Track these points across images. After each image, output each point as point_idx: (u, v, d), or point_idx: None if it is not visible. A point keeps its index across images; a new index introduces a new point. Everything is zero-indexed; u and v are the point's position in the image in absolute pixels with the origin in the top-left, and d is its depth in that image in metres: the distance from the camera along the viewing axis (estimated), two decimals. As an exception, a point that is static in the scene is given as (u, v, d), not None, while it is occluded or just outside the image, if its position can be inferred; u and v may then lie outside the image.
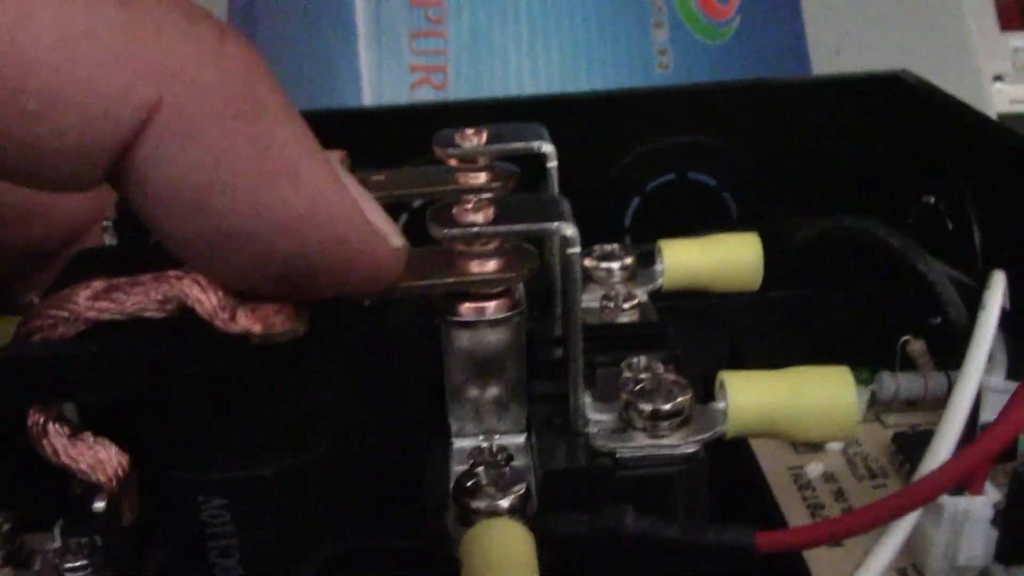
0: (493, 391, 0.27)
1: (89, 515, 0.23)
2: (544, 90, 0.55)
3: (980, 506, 0.27)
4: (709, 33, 0.57)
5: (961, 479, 0.23)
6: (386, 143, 0.39)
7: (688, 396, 0.26)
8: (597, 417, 0.26)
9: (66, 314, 0.22)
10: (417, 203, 0.40)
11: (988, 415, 0.29)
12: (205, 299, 0.22)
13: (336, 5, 0.55)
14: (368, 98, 0.55)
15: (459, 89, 0.55)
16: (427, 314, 0.28)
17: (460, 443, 0.28)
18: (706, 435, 0.25)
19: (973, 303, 0.28)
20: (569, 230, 0.25)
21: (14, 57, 0.19)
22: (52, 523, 0.26)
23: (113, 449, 0.23)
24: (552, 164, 0.31)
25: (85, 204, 0.34)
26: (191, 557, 0.26)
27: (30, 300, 0.29)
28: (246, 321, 0.22)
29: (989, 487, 0.27)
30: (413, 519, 0.26)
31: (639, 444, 0.25)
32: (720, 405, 0.26)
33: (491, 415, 0.28)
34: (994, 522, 0.27)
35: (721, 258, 0.34)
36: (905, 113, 0.44)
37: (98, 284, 0.23)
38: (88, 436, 0.23)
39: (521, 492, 0.25)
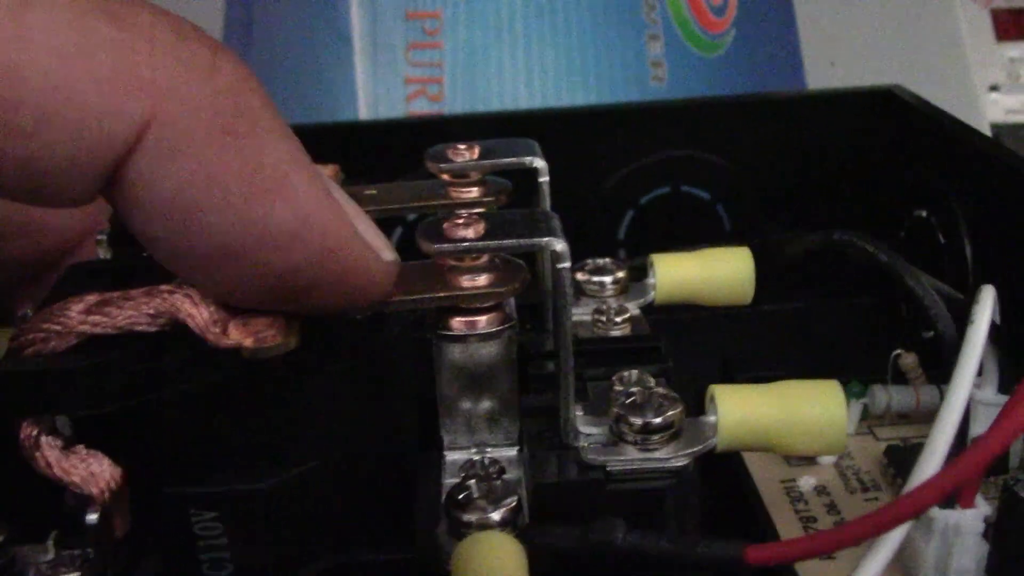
0: (485, 405, 0.27)
1: (82, 528, 0.24)
2: (539, 103, 0.55)
3: (971, 519, 0.27)
4: (704, 46, 0.57)
5: (951, 491, 0.23)
6: (382, 156, 0.39)
7: (679, 410, 0.26)
8: (588, 431, 0.26)
9: (59, 328, 0.22)
10: (412, 217, 0.40)
11: (979, 429, 0.29)
12: (197, 313, 0.22)
13: (332, 17, 0.55)
14: (364, 110, 0.55)
15: (455, 101, 0.55)
16: (419, 328, 0.28)
17: (452, 456, 0.28)
18: (696, 449, 0.26)
19: (963, 317, 0.28)
20: (559, 245, 0.25)
21: (8, 75, 0.19)
22: (45, 535, 0.26)
23: (106, 462, 0.23)
24: (544, 179, 0.31)
25: (79, 218, 0.34)
26: (183, 570, 0.26)
27: (24, 313, 0.29)
28: (238, 335, 0.23)
29: (980, 500, 0.27)
30: (405, 532, 0.27)
31: (630, 458, 0.25)
32: (711, 419, 0.26)
33: (483, 428, 0.28)
34: (985, 535, 0.27)
35: (713, 272, 0.34)
36: (898, 128, 0.45)
37: (91, 298, 0.23)
38: (81, 449, 0.23)
39: (512, 505, 0.25)
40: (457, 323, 0.26)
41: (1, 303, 0.33)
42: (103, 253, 0.30)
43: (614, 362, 0.29)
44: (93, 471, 0.23)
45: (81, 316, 0.22)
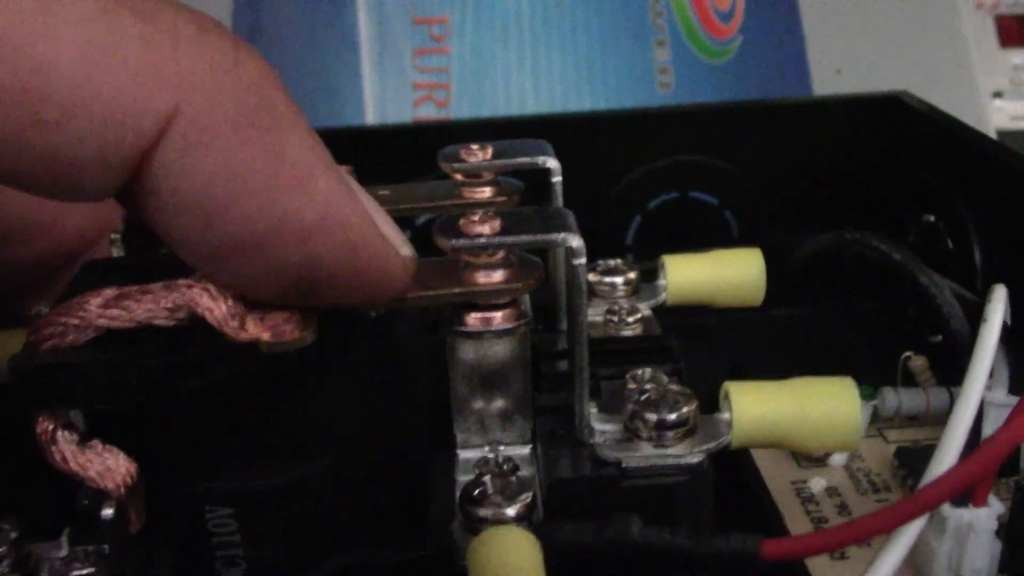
0: (498, 402, 0.28)
1: (96, 523, 0.24)
2: (546, 108, 0.56)
3: (984, 518, 0.27)
4: (711, 52, 0.57)
5: (965, 486, 0.23)
6: (389, 161, 0.39)
7: (693, 406, 0.26)
8: (602, 427, 0.26)
9: (77, 321, 0.22)
10: (420, 220, 0.40)
11: (991, 430, 0.29)
12: (215, 307, 0.22)
13: (339, 22, 0.56)
14: (371, 115, 0.55)
15: (461, 107, 0.55)
16: (433, 327, 0.28)
17: (465, 454, 0.28)
18: (711, 445, 0.26)
19: (975, 318, 0.28)
20: (575, 241, 0.25)
21: (34, 69, 0.19)
22: (59, 531, 0.26)
23: (121, 457, 0.24)
24: (557, 179, 0.31)
25: (91, 218, 0.34)
26: (197, 566, 0.26)
27: (37, 311, 0.29)
28: (255, 329, 0.23)
29: (992, 500, 0.27)
30: (419, 529, 0.27)
31: (645, 454, 0.25)
32: (725, 415, 0.26)
33: (496, 426, 0.28)
34: (998, 534, 0.27)
35: (724, 273, 0.34)
36: (905, 133, 0.45)
37: (109, 292, 0.23)
38: (97, 444, 0.23)
39: (527, 501, 0.25)
40: (473, 319, 0.26)
41: (14, 303, 0.33)
42: (117, 253, 0.30)
43: (627, 361, 0.29)
44: (109, 466, 0.23)
45: (99, 310, 0.22)
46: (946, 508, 0.27)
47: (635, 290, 0.34)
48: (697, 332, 0.38)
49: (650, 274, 0.35)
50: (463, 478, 0.27)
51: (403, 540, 0.27)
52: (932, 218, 0.42)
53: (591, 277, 0.34)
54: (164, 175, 0.20)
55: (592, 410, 0.27)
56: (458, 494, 0.26)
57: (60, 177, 0.20)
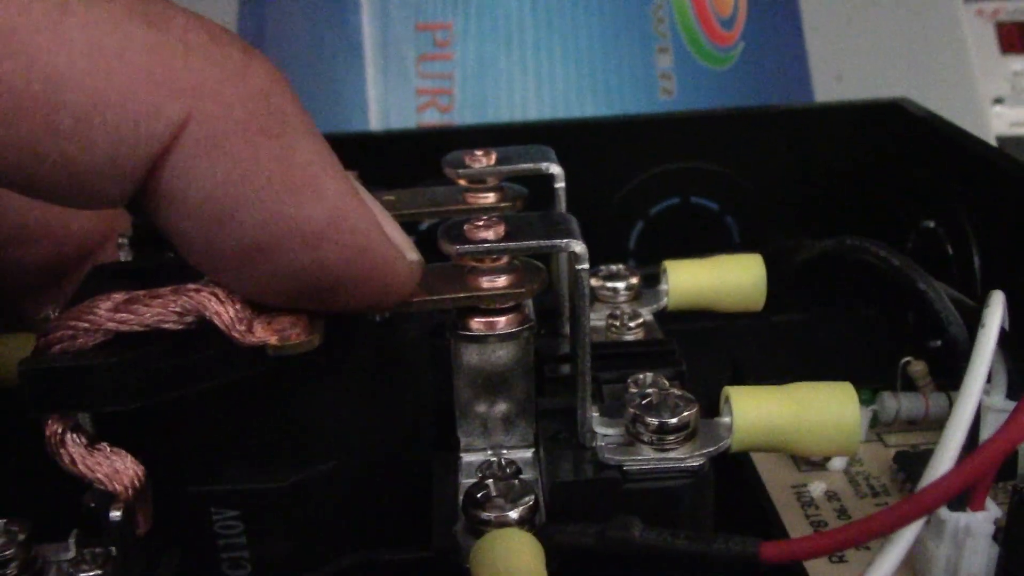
0: (501, 406, 0.28)
1: (104, 525, 0.24)
2: (549, 114, 0.56)
3: (981, 522, 0.27)
4: (713, 59, 0.57)
5: (962, 489, 0.24)
6: (393, 166, 0.39)
7: (694, 410, 0.26)
8: (604, 431, 0.27)
9: (87, 325, 0.23)
10: (423, 226, 0.41)
11: (988, 434, 0.29)
12: (223, 311, 0.23)
13: (343, 28, 0.56)
14: (375, 121, 0.55)
15: (464, 112, 0.55)
16: (437, 330, 0.28)
17: (469, 457, 0.28)
18: (711, 449, 0.26)
19: (973, 323, 0.28)
20: (578, 247, 0.25)
21: (48, 77, 0.19)
22: (66, 533, 0.26)
23: (129, 459, 0.24)
24: (560, 185, 0.31)
25: (98, 222, 0.34)
26: (203, 568, 0.26)
27: (45, 315, 0.29)
28: (263, 333, 0.23)
29: (990, 503, 0.27)
30: (422, 531, 0.27)
31: (646, 457, 0.26)
32: (725, 420, 0.26)
33: (499, 430, 0.28)
34: (995, 538, 0.28)
35: (725, 278, 0.34)
36: (905, 139, 0.45)
37: (118, 296, 0.23)
38: (105, 447, 0.24)
39: (530, 503, 0.25)
40: (476, 324, 0.26)
41: (21, 305, 0.34)
42: (124, 256, 0.31)
43: (628, 365, 0.30)
44: (117, 468, 0.24)
45: (109, 313, 0.23)
46: (944, 512, 0.27)
47: (637, 295, 0.35)
48: (698, 337, 0.38)
49: (652, 279, 0.35)
50: (466, 481, 0.27)
51: (406, 542, 0.27)
52: (932, 224, 0.42)
53: (593, 282, 0.34)
54: (175, 181, 0.21)
55: (594, 414, 0.27)
56: (461, 496, 0.26)
57: (74, 185, 0.20)
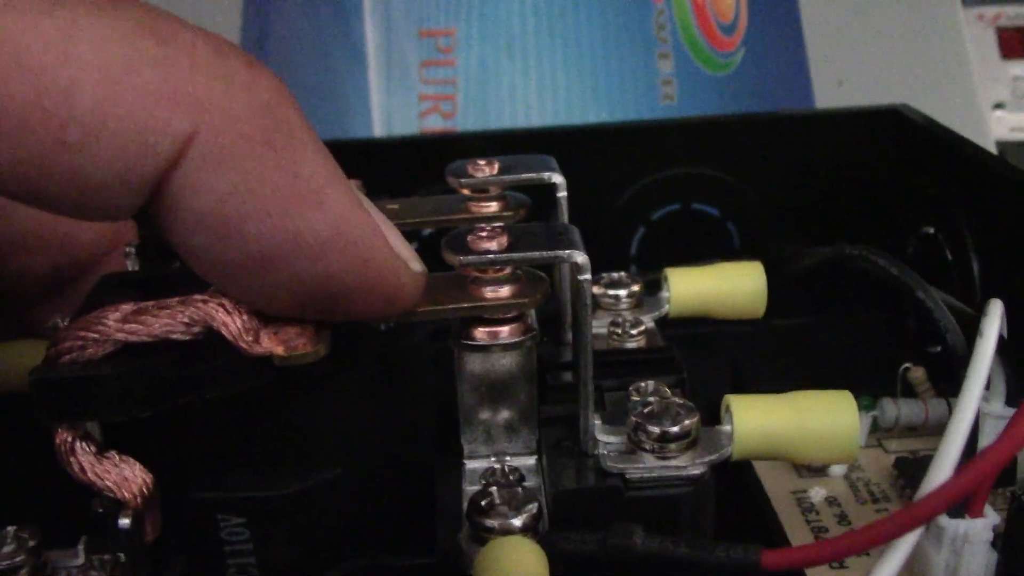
0: (504, 414, 0.28)
1: (112, 532, 0.24)
2: (551, 120, 0.56)
3: (980, 528, 0.27)
4: (714, 64, 0.58)
5: (961, 496, 0.24)
6: (395, 173, 0.40)
7: (695, 418, 0.26)
8: (606, 439, 0.27)
9: (96, 335, 0.23)
10: (426, 232, 0.41)
11: (987, 441, 0.30)
12: (230, 322, 0.23)
13: (346, 35, 0.56)
14: (378, 127, 0.55)
15: (467, 118, 0.56)
16: (440, 340, 0.28)
17: (472, 465, 0.29)
18: (713, 457, 0.26)
19: (972, 331, 0.28)
20: (580, 257, 0.26)
21: (57, 92, 0.19)
22: (75, 540, 0.27)
23: (138, 467, 0.24)
24: (562, 194, 0.32)
25: (105, 231, 0.34)
26: (210, 574, 0.26)
27: (53, 323, 0.29)
28: (269, 343, 0.23)
29: (988, 510, 0.28)
30: (426, 538, 0.27)
31: (648, 465, 0.26)
32: (726, 428, 0.27)
33: (502, 437, 0.28)
34: (994, 544, 0.28)
35: (726, 286, 0.34)
36: (905, 146, 0.45)
37: (127, 307, 0.23)
38: (114, 455, 0.24)
39: (534, 511, 0.25)
40: (480, 333, 0.27)
41: (30, 313, 0.34)
42: (131, 265, 0.31)
43: (630, 373, 0.30)
44: (126, 476, 0.24)
45: (118, 324, 0.23)
46: (943, 519, 0.27)
47: (638, 302, 0.35)
48: (699, 343, 0.38)
49: (653, 286, 0.35)
50: (470, 488, 0.27)
51: (410, 548, 0.27)
52: (931, 230, 0.42)
53: (595, 289, 0.35)
54: (182, 193, 0.21)
55: (596, 422, 0.27)
56: (465, 504, 0.26)
57: (83, 197, 0.21)
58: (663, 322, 0.35)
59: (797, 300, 0.40)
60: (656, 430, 0.26)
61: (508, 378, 0.28)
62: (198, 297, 0.23)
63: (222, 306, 0.23)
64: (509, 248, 0.26)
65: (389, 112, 0.56)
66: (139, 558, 0.25)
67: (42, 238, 0.34)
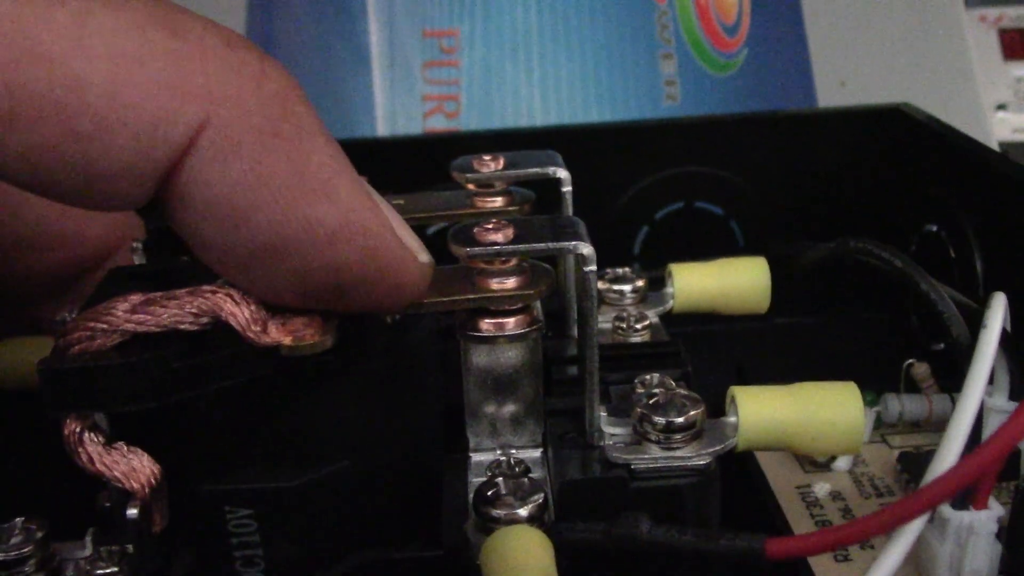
0: (510, 406, 0.28)
1: (120, 524, 0.24)
2: (554, 120, 0.56)
3: (984, 520, 0.27)
4: (717, 65, 0.58)
5: (965, 484, 0.24)
6: (399, 172, 0.40)
7: (701, 409, 0.26)
8: (612, 431, 0.27)
9: (104, 326, 0.23)
10: (433, 229, 0.41)
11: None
12: (238, 312, 0.23)
13: (351, 36, 0.56)
14: (382, 127, 0.56)
15: (471, 118, 0.56)
16: (446, 333, 0.28)
17: (478, 457, 0.29)
18: (718, 448, 0.26)
19: (975, 324, 0.28)
20: (586, 249, 0.26)
21: (69, 83, 0.20)
22: (83, 533, 0.27)
23: (146, 458, 0.24)
24: (567, 189, 0.32)
25: (113, 228, 0.35)
26: (217, 566, 0.26)
27: (61, 318, 0.30)
28: (277, 333, 0.23)
29: (993, 503, 0.28)
30: (433, 530, 0.27)
31: (653, 456, 0.26)
32: (731, 419, 0.27)
33: (508, 430, 0.29)
34: (998, 537, 0.28)
35: (730, 281, 0.34)
36: (907, 144, 0.45)
37: (135, 298, 0.23)
38: (122, 445, 0.24)
39: (539, 501, 0.25)
40: (486, 325, 0.27)
41: (39, 310, 0.34)
42: (138, 261, 0.31)
43: (635, 367, 0.30)
44: (134, 467, 0.24)
45: (126, 314, 0.23)
46: (947, 511, 0.27)
47: (643, 298, 0.35)
48: (703, 340, 0.38)
49: (657, 282, 0.36)
50: (476, 479, 0.28)
51: (417, 540, 0.28)
52: (934, 227, 0.42)
53: (600, 285, 0.35)
54: (193, 183, 0.21)
55: (602, 414, 0.27)
56: (471, 495, 0.26)
57: (94, 187, 0.21)
58: (667, 318, 0.35)
59: (801, 298, 0.40)
60: (662, 421, 0.26)
61: (514, 370, 0.28)
62: (206, 288, 0.24)
63: (230, 297, 0.23)
64: (515, 240, 0.26)
65: (393, 112, 0.56)
66: (147, 549, 0.25)
67: (51, 236, 0.34)
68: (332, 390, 0.26)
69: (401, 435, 0.27)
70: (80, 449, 0.24)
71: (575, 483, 0.26)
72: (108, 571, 0.26)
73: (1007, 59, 0.68)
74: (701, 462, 0.26)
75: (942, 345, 0.40)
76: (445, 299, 0.26)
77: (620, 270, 0.36)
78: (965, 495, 0.27)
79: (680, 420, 0.26)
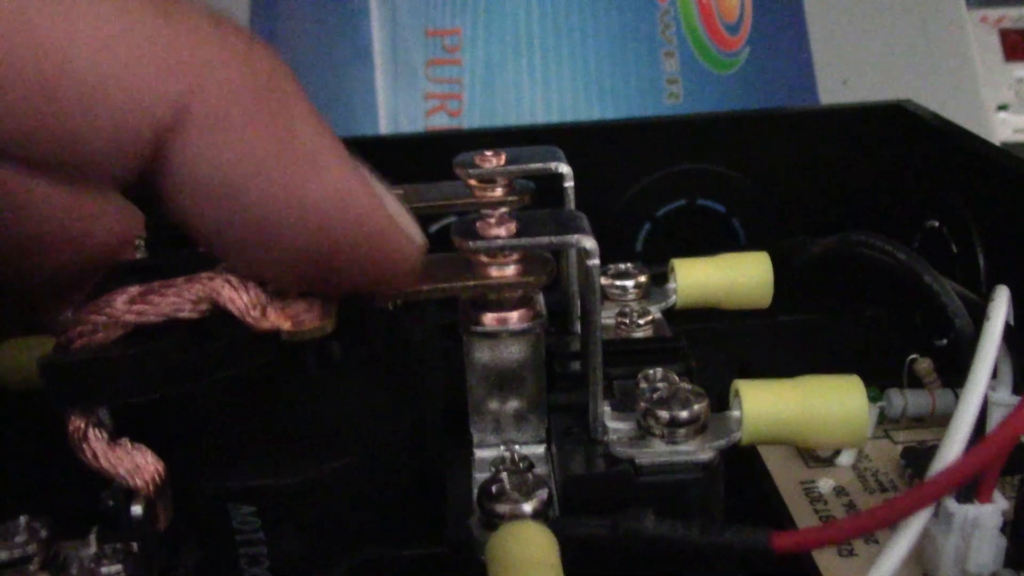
0: (514, 402, 0.28)
1: (124, 521, 0.24)
2: (556, 119, 0.56)
3: (989, 514, 0.27)
4: (719, 63, 0.58)
5: (969, 477, 0.24)
6: (402, 170, 0.40)
7: (704, 404, 0.26)
8: (615, 426, 0.27)
9: (105, 319, 0.23)
10: (434, 228, 0.41)
11: (994, 429, 0.30)
12: (236, 297, 0.23)
13: (353, 34, 0.56)
14: (384, 125, 0.56)
15: (473, 117, 0.56)
16: (448, 330, 0.28)
17: (481, 453, 0.29)
18: (722, 442, 0.26)
19: (978, 318, 0.28)
20: (589, 242, 0.26)
21: (52, 54, 0.20)
22: (87, 530, 0.27)
23: (150, 455, 0.24)
24: (569, 184, 0.32)
25: (116, 229, 0.34)
26: (222, 564, 0.26)
27: (64, 317, 0.29)
28: (276, 318, 0.23)
29: (998, 496, 0.28)
30: (437, 526, 0.27)
31: (657, 451, 0.26)
32: (735, 413, 0.27)
33: (511, 426, 0.29)
34: (1003, 530, 0.28)
35: (733, 276, 0.34)
36: (909, 141, 0.45)
37: (133, 289, 0.23)
38: (126, 442, 0.24)
39: (544, 497, 0.25)
40: (489, 319, 0.27)
41: (42, 311, 0.34)
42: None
43: (638, 362, 0.30)
44: (138, 463, 0.24)
45: (125, 306, 0.23)
46: (952, 504, 0.27)
47: (646, 293, 0.35)
48: (706, 336, 0.38)
49: (660, 278, 0.36)
50: (480, 475, 0.28)
51: (421, 536, 0.28)
52: (936, 223, 0.42)
53: (603, 280, 0.35)
54: (181, 160, 0.21)
55: (606, 409, 0.27)
56: (476, 491, 0.26)
57: (80, 162, 0.21)
58: (670, 313, 0.35)
59: (803, 295, 0.40)
60: (666, 415, 0.26)
61: (517, 366, 0.28)
62: (204, 274, 0.24)
63: (228, 282, 0.23)
64: (518, 234, 0.26)
65: (396, 111, 0.56)
66: (151, 547, 0.25)
67: (56, 236, 0.34)
68: (335, 382, 0.26)
69: (404, 430, 0.27)
70: (85, 446, 0.24)
71: (579, 478, 0.26)
72: (112, 569, 0.26)
73: (1008, 60, 0.68)
74: (705, 456, 0.26)
75: (945, 341, 0.40)
76: (444, 285, 0.26)
77: (623, 265, 0.36)
78: (969, 489, 0.27)
79: (684, 414, 0.26)
